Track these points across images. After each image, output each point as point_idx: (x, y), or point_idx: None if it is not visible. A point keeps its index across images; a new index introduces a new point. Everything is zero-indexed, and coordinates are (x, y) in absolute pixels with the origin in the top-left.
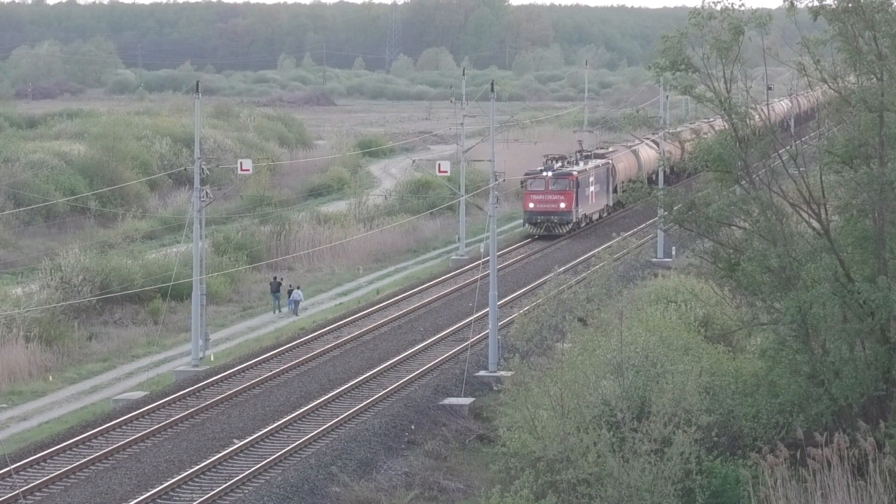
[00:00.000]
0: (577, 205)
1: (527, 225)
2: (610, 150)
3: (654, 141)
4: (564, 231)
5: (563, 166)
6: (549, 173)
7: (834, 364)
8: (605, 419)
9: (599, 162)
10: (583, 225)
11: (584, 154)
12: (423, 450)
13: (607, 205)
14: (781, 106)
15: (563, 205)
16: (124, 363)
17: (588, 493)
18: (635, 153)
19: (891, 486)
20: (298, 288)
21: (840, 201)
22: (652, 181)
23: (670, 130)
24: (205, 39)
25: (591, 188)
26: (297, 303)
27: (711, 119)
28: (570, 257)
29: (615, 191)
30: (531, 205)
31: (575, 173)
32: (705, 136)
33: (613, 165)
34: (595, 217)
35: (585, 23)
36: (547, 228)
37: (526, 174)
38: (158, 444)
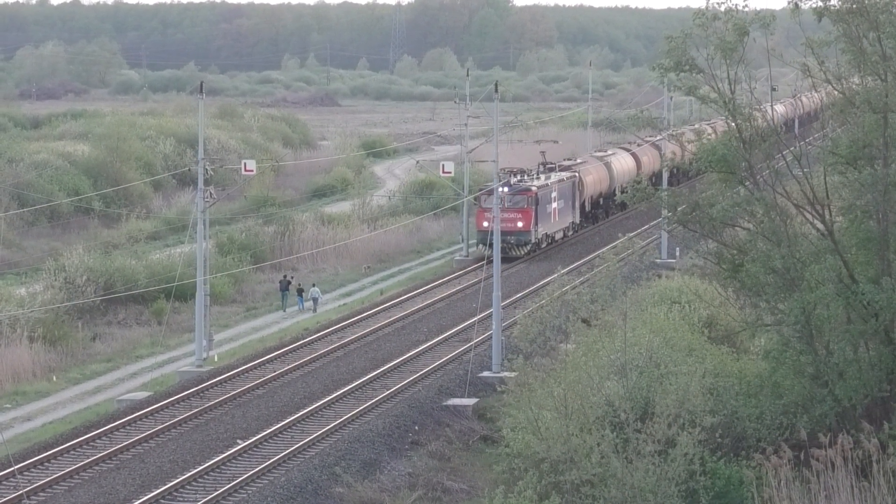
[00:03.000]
0: (536, 223)
1: (480, 246)
2: (578, 161)
3: (632, 152)
4: (522, 253)
5: (521, 181)
6: (506, 189)
7: (838, 365)
8: (608, 420)
9: (564, 175)
10: (543, 245)
11: (548, 166)
12: (426, 450)
13: (573, 222)
14: (776, 110)
15: (520, 223)
16: (128, 363)
17: (591, 493)
18: (607, 165)
19: (894, 488)
20: (314, 286)
21: (844, 202)
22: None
23: (649, 139)
24: (209, 40)
25: (554, 204)
26: (315, 300)
27: (696, 125)
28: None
29: (583, 206)
30: (485, 223)
31: (534, 189)
32: (709, 136)
33: (581, 179)
34: (559, 236)
35: (589, 23)
36: (503, 250)
37: (480, 189)
38: (162, 445)
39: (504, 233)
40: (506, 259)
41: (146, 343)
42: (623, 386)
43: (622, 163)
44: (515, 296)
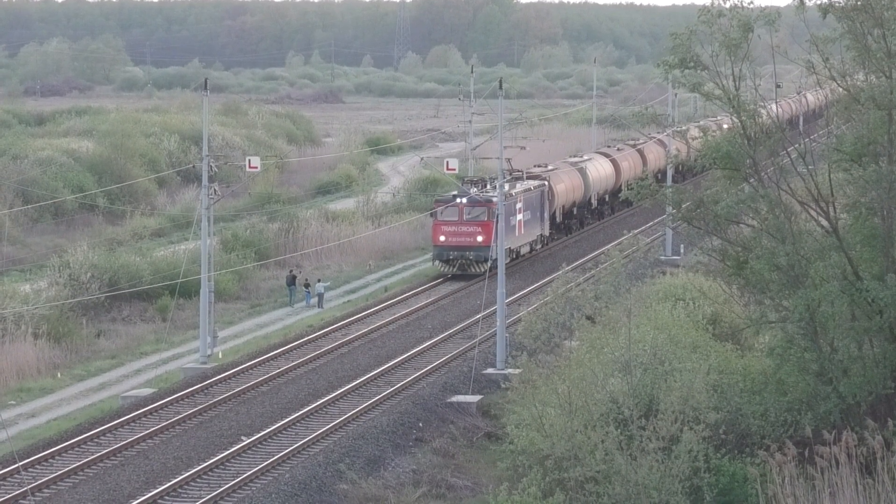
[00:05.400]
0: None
1: (436, 262)
2: (549, 168)
3: (611, 158)
4: (482, 270)
5: (480, 191)
6: (463, 200)
7: (842, 362)
8: (612, 417)
9: (532, 184)
10: (506, 261)
11: (514, 174)
12: (430, 447)
13: (541, 235)
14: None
15: (479, 238)
16: (132, 360)
17: (596, 490)
18: (582, 171)
19: None
20: (320, 281)
21: (849, 199)
22: (604, 202)
23: (631, 142)
24: (213, 37)
25: (519, 216)
26: (321, 295)
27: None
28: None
29: (553, 217)
30: (441, 238)
31: (495, 200)
32: (708, 133)
33: (551, 187)
34: (525, 251)
35: (594, 20)
36: (461, 267)
37: (436, 201)
38: (166, 442)
39: (462, 248)
40: (464, 277)
41: (150, 340)
42: (627, 383)
43: (599, 169)
44: (520, 292)
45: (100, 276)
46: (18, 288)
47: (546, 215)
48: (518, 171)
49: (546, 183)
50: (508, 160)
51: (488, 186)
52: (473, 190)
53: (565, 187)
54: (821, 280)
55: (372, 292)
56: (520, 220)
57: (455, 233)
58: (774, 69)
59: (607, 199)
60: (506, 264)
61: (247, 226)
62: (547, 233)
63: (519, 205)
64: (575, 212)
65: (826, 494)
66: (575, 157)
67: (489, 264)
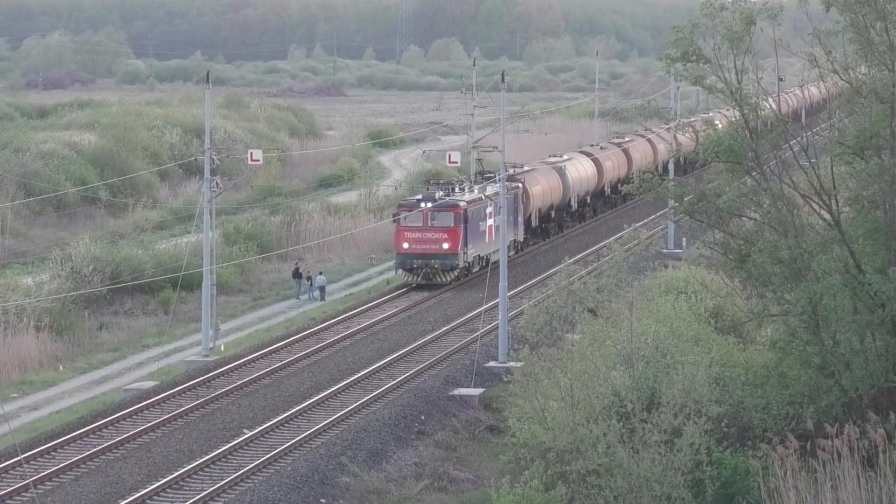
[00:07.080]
0: (465, 244)
1: (399, 271)
2: (525, 169)
3: (593, 157)
4: (449, 279)
5: (447, 195)
6: (428, 204)
7: (844, 355)
8: (614, 410)
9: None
10: (476, 269)
11: (486, 176)
12: (432, 440)
13: (515, 240)
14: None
15: (446, 245)
16: (134, 353)
17: (598, 483)
18: (560, 171)
19: None
20: (321, 274)
21: (851, 192)
22: (585, 204)
23: (617, 140)
24: (215, 30)
25: (490, 221)
26: (322, 288)
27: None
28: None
29: (528, 222)
30: (405, 245)
31: (462, 204)
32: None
33: (526, 189)
34: (496, 258)
35: (596, 13)
36: (426, 276)
37: (399, 205)
38: (168, 434)
39: (427, 255)
40: (429, 286)
41: (153, 333)
42: (629, 376)
43: (580, 169)
44: (523, 285)
45: (102, 268)
46: (21, 281)
47: (520, 219)
48: (489, 172)
49: (520, 185)
50: (479, 161)
51: (456, 190)
52: (439, 194)
53: (542, 189)
54: (823, 273)
55: (374, 285)
56: (490, 226)
57: (419, 240)
58: (777, 62)
59: (589, 200)
60: (475, 272)
61: (249, 219)
62: (521, 238)
63: (489, 209)
64: (553, 215)
65: (828, 487)
66: (554, 156)
67: (457, 273)
